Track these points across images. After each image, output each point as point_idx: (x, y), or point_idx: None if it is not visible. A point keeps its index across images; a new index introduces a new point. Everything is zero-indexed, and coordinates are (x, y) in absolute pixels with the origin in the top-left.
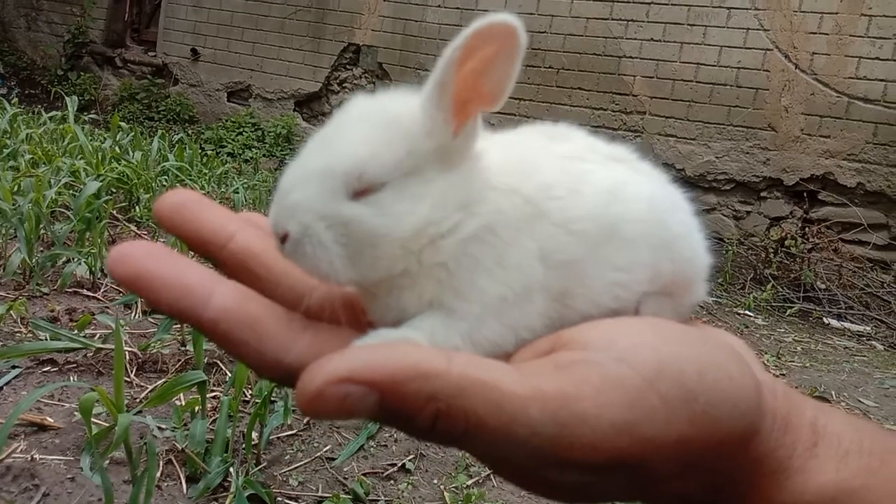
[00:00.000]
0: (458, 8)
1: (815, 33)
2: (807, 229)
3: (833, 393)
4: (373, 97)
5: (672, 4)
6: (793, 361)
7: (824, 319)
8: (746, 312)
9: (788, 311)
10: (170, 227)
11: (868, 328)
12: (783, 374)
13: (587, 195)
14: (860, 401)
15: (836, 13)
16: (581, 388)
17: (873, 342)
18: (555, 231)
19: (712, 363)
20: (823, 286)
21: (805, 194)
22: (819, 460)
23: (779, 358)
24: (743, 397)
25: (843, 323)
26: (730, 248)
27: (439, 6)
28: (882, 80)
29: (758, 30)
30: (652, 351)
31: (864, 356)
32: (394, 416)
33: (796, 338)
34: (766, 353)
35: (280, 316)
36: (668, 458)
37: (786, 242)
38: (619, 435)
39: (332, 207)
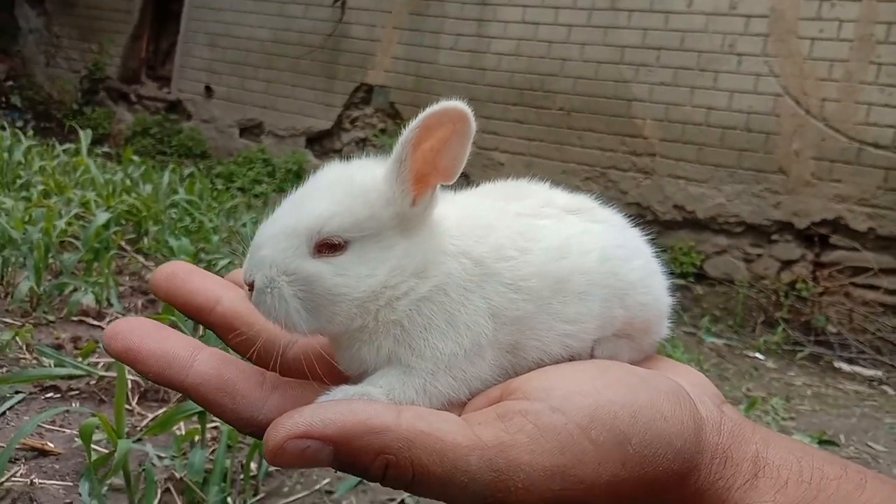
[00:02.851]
0: (469, 51)
1: (826, 80)
2: (818, 273)
3: (842, 437)
4: (344, 165)
5: (682, 50)
6: (802, 405)
7: (835, 363)
8: (756, 355)
9: (799, 355)
10: (164, 298)
11: (879, 373)
12: (792, 418)
13: (536, 253)
14: (869, 445)
15: (847, 60)
16: (517, 436)
17: (884, 387)
18: (504, 290)
19: (647, 405)
20: (834, 330)
21: (816, 238)
22: (759, 491)
23: (788, 401)
24: (677, 436)
25: (853, 367)
26: (740, 290)
27: (451, 48)
28: (892, 127)
29: (768, 76)
30: (587, 398)
31: (875, 401)
32: (348, 466)
33: (806, 381)
34: (775, 396)
35: (253, 378)
36: (602, 497)
37: (797, 286)
38: (551, 478)
39: (295, 264)
